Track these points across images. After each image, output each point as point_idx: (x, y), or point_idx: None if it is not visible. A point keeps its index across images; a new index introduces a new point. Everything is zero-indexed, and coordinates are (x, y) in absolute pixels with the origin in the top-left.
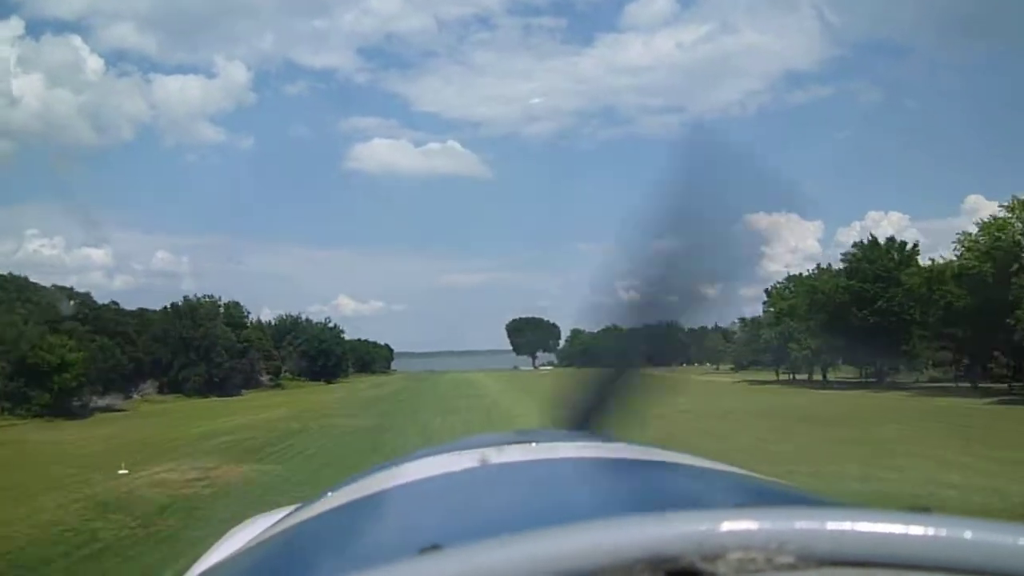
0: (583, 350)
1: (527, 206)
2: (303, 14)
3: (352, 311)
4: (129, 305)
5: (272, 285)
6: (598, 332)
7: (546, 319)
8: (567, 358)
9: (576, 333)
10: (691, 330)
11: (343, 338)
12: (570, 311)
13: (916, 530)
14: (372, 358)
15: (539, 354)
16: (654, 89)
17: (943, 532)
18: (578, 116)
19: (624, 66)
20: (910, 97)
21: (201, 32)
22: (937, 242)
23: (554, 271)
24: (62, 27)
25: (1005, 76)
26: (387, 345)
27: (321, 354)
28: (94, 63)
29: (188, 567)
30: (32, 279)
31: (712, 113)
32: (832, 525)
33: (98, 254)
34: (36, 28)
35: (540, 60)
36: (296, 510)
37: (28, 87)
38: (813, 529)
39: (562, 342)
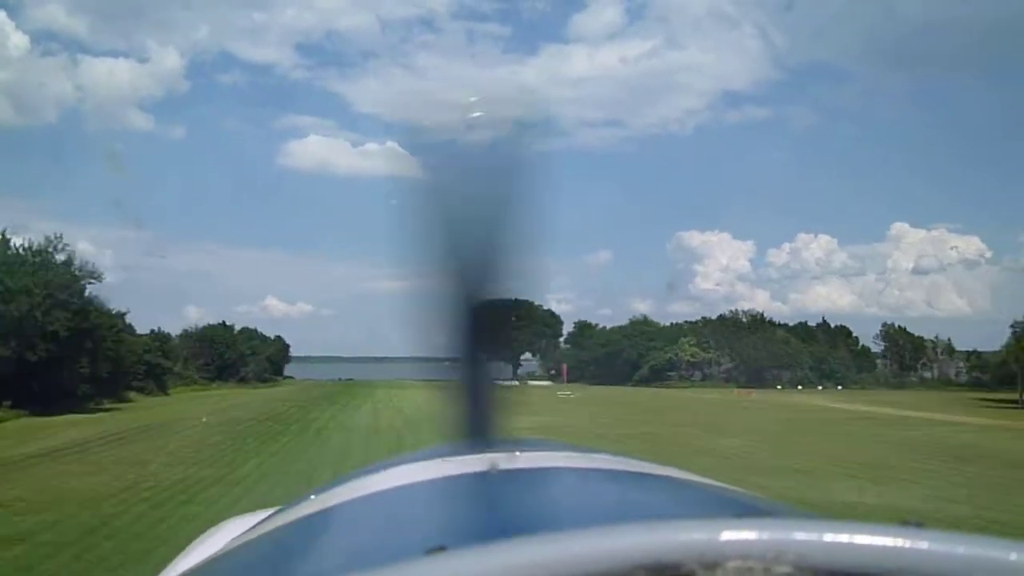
0: (604, 354)
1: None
2: (242, 6)
3: (281, 313)
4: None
5: (198, 284)
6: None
7: (536, 303)
8: (576, 366)
9: (585, 328)
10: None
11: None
12: None
13: (911, 544)
14: (246, 358)
15: (526, 358)
16: (595, 102)
17: (937, 546)
18: (516, 126)
19: (567, 78)
20: (845, 123)
21: (134, 17)
22: (865, 267)
23: None
24: None
25: (937, 107)
26: (279, 338)
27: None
28: (18, 39)
29: (161, 568)
30: None
31: (651, 129)
32: (829, 537)
33: (17, 242)
34: None
35: (483, 68)
36: (275, 513)
37: None
38: (810, 540)
39: (563, 342)
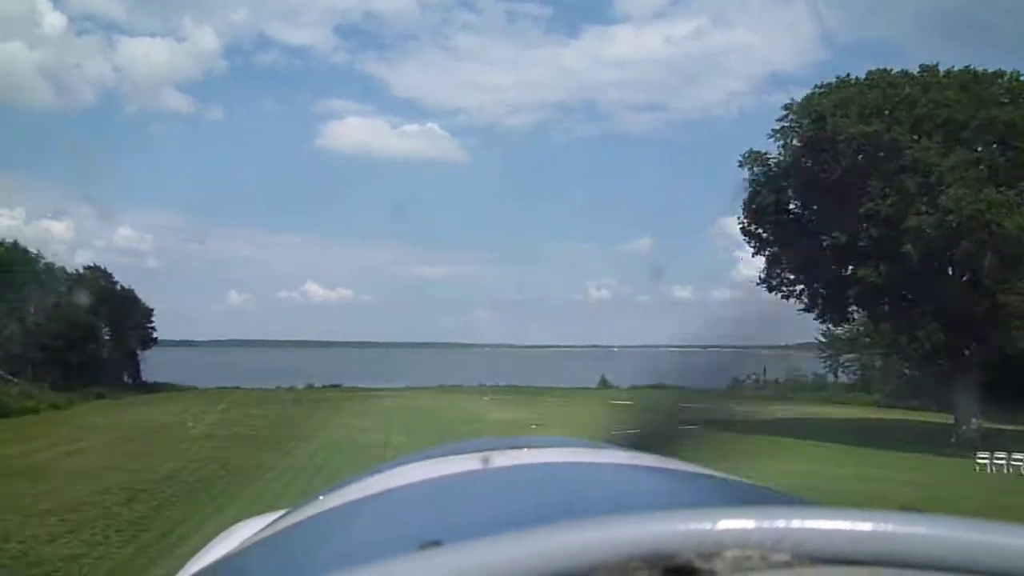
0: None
1: (501, 201)
2: None
3: (321, 298)
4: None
5: (237, 268)
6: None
7: None
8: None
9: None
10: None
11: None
12: (539, 310)
13: (909, 529)
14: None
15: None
16: (638, 85)
17: (936, 531)
18: (559, 109)
19: (609, 59)
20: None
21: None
22: None
23: (522, 267)
24: None
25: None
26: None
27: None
28: (55, 19)
29: (178, 569)
30: None
31: (695, 113)
32: (826, 524)
33: (59, 227)
34: None
35: (524, 49)
36: (288, 513)
37: None
38: (808, 528)
39: None
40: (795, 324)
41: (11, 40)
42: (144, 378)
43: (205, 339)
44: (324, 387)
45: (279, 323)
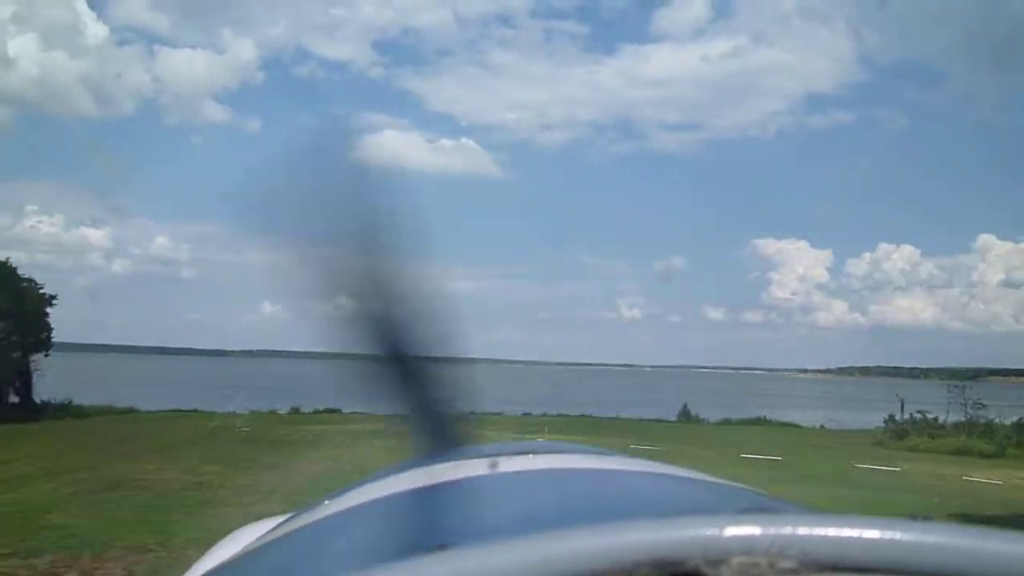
0: None
1: (535, 215)
2: (321, 2)
3: None
4: (130, 290)
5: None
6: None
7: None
8: None
9: None
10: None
11: None
12: (571, 324)
13: (916, 537)
14: None
15: None
16: (673, 104)
17: (943, 539)
18: (593, 127)
19: (645, 78)
20: (935, 126)
21: (215, 13)
22: (951, 279)
23: (554, 284)
24: None
25: None
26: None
27: None
28: (97, 29)
29: (184, 572)
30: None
31: (730, 132)
32: (833, 532)
33: (96, 235)
34: None
35: (559, 66)
36: (292, 517)
37: (24, 50)
38: (815, 535)
39: None
40: None
41: (53, 49)
42: (37, 397)
43: (237, 349)
44: (317, 411)
45: (308, 335)
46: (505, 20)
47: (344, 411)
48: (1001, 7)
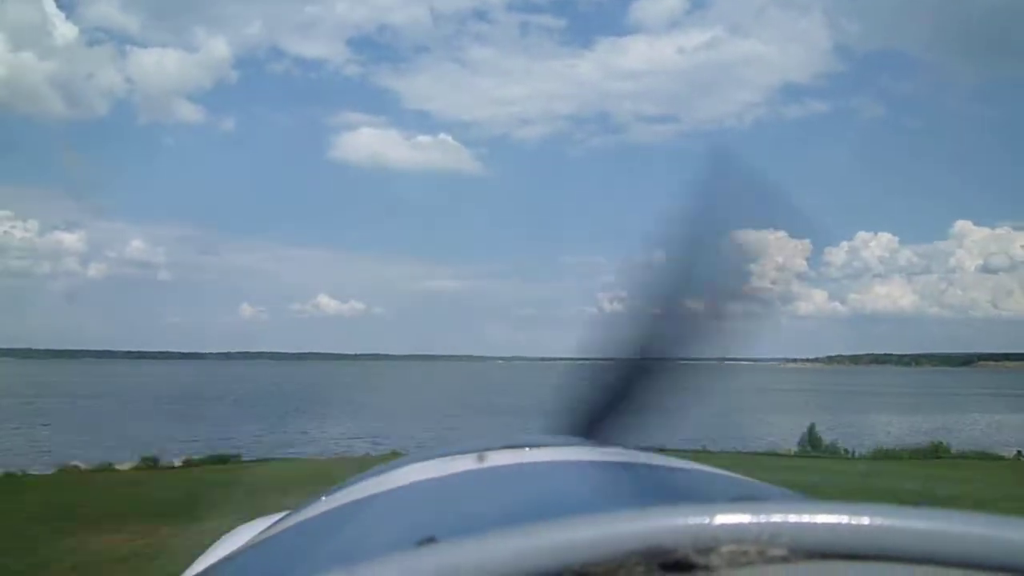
0: None
1: (515, 213)
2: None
3: (334, 311)
4: (106, 294)
5: (249, 281)
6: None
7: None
8: None
9: None
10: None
11: None
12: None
13: (907, 524)
14: None
15: None
16: (651, 96)
17: (934, 525)
18: (572, 121)
19: (623, 70)
20: (911, 115)
21: (187, 12)
22: (930, 265)
23: (537, 281)
24: None
25: (1014, 101)
26: None
27: None
28: (66, 30)
29: (183, 571)
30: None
31: (707, 124)
32: (823, 519)
33: (71, 239)
34: None
35: (537, 60)
36: (290, 514)
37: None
38: (805, 523)
39: None
40: None
41: (22, 50)
42: None
43: (214, 351)
44: (204, 459)
45: (290, 336)
46: (481, 15)
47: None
48: None
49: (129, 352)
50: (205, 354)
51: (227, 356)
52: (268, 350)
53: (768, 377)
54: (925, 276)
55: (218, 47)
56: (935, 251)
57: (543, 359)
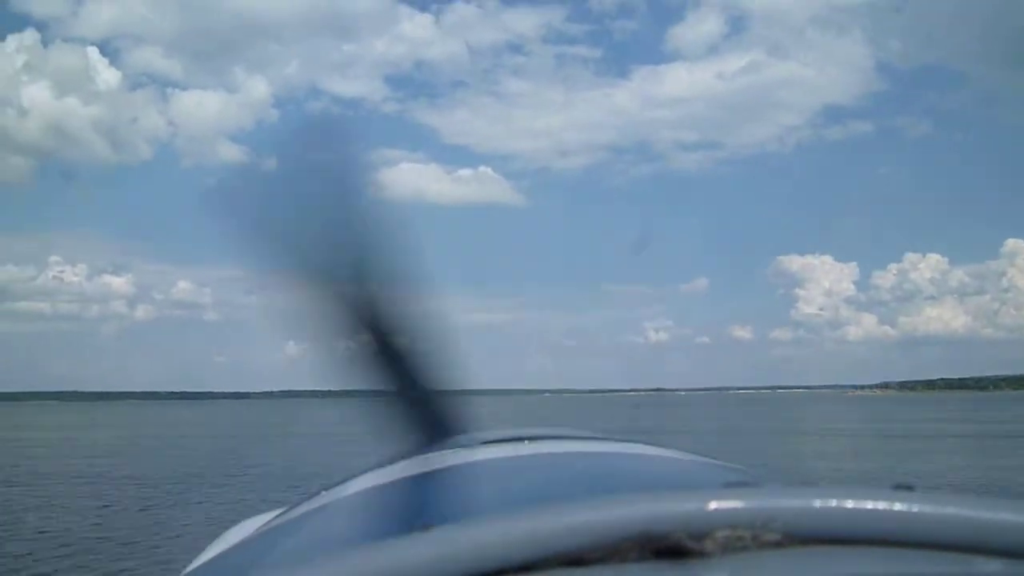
0: None
1: (556, 243)
2: (332, 37)
3: None
4: (154, 338)
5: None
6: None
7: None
8: None
9: None
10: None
11: None
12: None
13: (901, 507)
14: None
15: None
16: (690, 123)
17: (927, 509)
18: (611, 151)
19: (661, 98)
20: (956, 131)
21: (227, 54)
22: (983, 286)
23: (578, 310)
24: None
25: None
26: None
27: None
28: (109, 75)
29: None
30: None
31: (749, 149)
32: (817, 503)
33: (119, 283)
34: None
35: (574, 91)
36: (289, 508)
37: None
38: (799, 507)
39: None
40: None
41: (66, 96)
42: None
43: (258, 390)
44: None
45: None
46: (517, 49)
47: None
48: (1019, 3)
49: (172, 393)
50: (249, 393)
51: (270, 395)
52: (310, 388)
53: (830, 409)
54: (978, 297)
55: (257, 87)
56: (985, 271)
57: (590, 391)
